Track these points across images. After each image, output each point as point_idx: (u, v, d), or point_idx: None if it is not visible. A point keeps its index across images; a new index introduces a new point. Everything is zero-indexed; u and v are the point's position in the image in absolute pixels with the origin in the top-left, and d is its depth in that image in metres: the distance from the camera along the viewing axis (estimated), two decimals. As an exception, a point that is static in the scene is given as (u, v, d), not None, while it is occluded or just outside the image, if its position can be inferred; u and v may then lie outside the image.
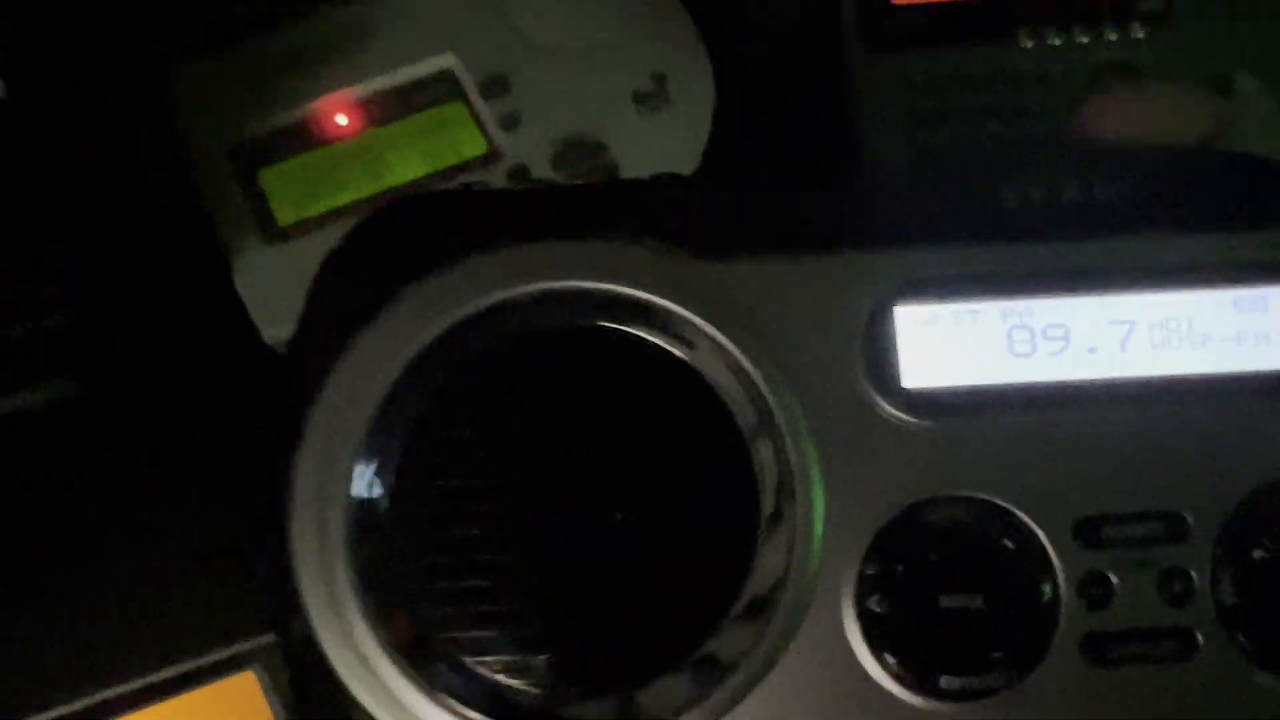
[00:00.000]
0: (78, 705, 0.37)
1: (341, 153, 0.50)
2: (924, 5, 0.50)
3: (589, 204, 0.26)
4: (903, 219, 0.25)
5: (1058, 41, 0.50)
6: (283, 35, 0.50)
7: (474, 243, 0.24)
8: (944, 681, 0.24)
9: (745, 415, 0.24)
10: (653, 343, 0.24)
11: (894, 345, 0.24)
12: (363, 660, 0.23)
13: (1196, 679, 0.24)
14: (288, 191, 0.49)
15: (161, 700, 0.37)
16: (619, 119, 0.49)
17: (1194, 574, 0.24)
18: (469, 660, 0.23)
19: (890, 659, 0.24)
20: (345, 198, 0.49)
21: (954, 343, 0.24)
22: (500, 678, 0.23)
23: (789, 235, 0.24)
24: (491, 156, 0.49)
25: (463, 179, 0.49)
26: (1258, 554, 0.24)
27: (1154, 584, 0.24)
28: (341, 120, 0.50)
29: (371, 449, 0.24)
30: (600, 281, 0.24)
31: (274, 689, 0.37)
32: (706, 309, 0.24)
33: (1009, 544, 0.24)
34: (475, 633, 0.23)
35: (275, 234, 0.48)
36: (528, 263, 0.24)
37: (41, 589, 0.39)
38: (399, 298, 0.24)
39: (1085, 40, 0.50)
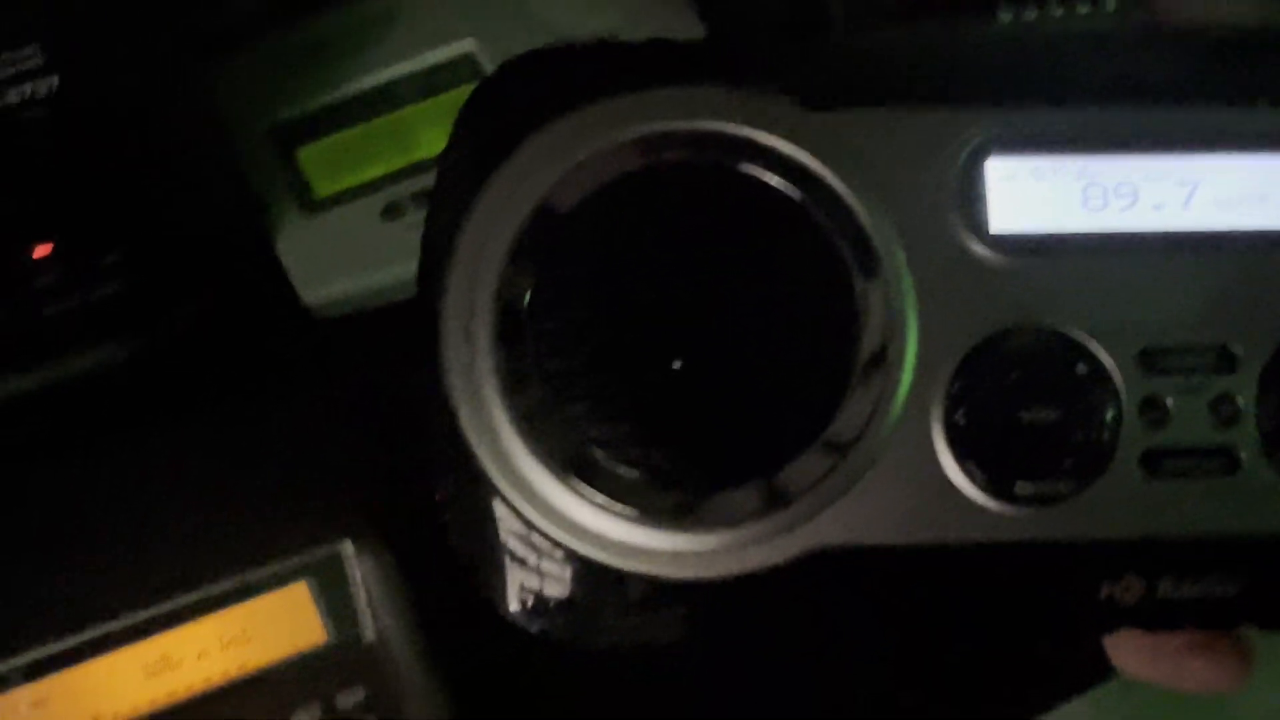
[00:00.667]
0: (141, 615, 0.40)
1: (374, 131, 0.53)
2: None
3: (711, 56, 0.29)
4: (995, 79, 0.28)
5: (1032, 15, 0.55)
6: (312, 25, 0.54)
7: (609, 88, 0.27)
8: (1018, 487, 0.27)
9: (850, 251, 0.27)
10: (767, 182, 0.27)
11: (984, 193, 0.27)
12: (507, 456, 0.26)
13: (1238, 492, 0.27)
14: (325, 165, 0.53)
15: (219, 610, 0.40)
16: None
17: (1240, 400, 0.27)
18: (607, 457, 0.26)
19: (972, 465, 0.27)
20: (378, 170, 0.52)
21: (1036, 194, 0.27)
22: (637, 473, 0.26)
23: (892, 88, 0.27)
24: (513, 130, 0.53)
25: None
26: None
27: (1205, 408, 0.27)
28: (372, 103, 0.54)
29: (515, 261, 0.26)
30: (721, 123, 0.26)
31: (324, 600, 0.40)
32: (817, 152, 0.27)
33: (1081, 368, 0.27)
34: (613, 430, 0.26)
35: (313, 205, 0.52)
36: (656, 106, 0.26)
37: (104, 515, 0.41)
38: (542, 131, 0.27)
39: (1058, 14, 0.55)
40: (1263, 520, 0.27)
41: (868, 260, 0.27)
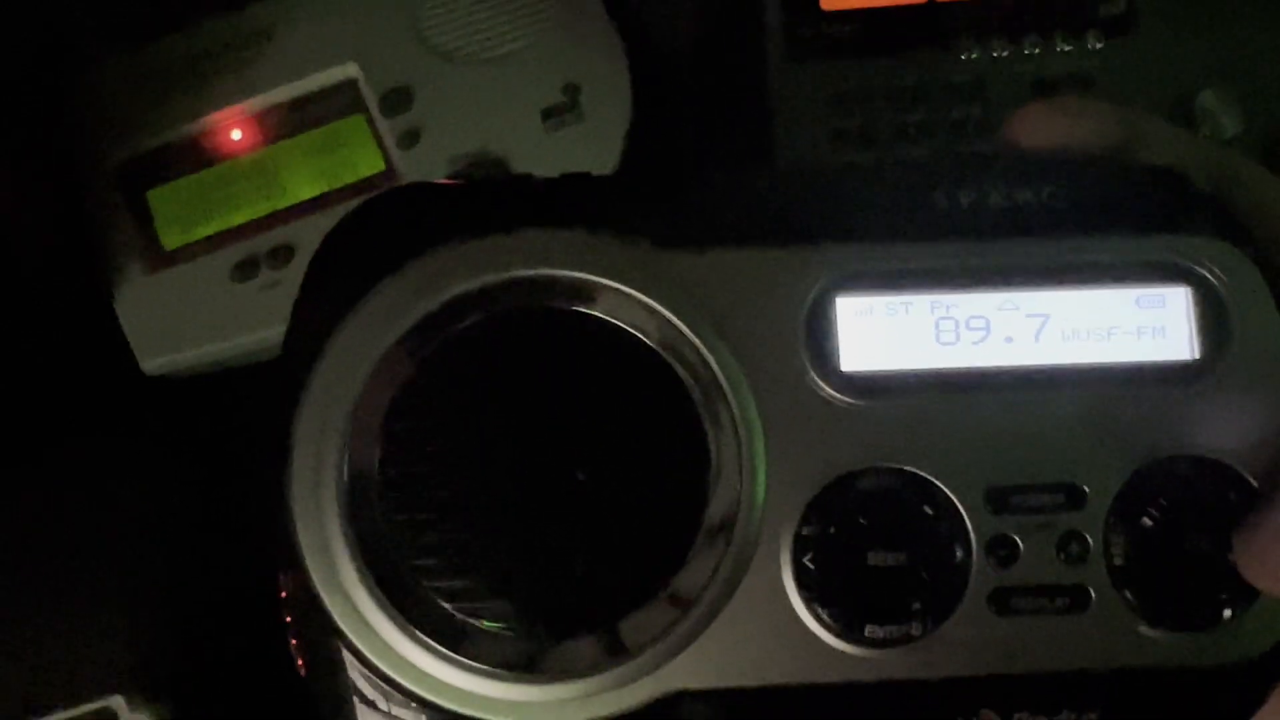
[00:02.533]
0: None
1: (234, 170, 0.47)
2: (857, 10, 0.46)
3: (562, 197, 0.28)
4: (845, 216, 0.28)
5: (1004, 52, 0.47)
6: (177, 42, 0.48)
7: (455, 232, 0.27)
8: (869, 630, 0.27)
9: (699, 393, 0.27)
10: (616, 324, 0.27)
11: (834, 332, 0.27)
12: (356, 611, 0.26)
13: (1089, 630, 0.27)
14: (175, 212, 0.47)
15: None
16: (524, 135, 0.46)
17: (1089, 538, 0.27)
18: (457, 609, 0.26)
19: (822, 610, 0.27)
20: (236, 218, 0.46)
21: (887, 331, 0.27)
22: (486, 625, 0.26)
23: (744, 228, 0.27)
24: (388, 175, 0.46)
25: (357, 199, 0.46)
26: (1145, 522, 0.27)
27: (1053, 546, 0.27)
28: (236, 135, 0.47)
29: (363, 413, 0.26)
30: (570, 269, 0.27)
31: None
32: (665, 295, 0.27)
33: (928, 509, 0.27)
34: (461, 583, 0.26)
35: (159, 259, 0.46)
36: (504, 252, 0.26)
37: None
38: (382, 284, 0.26)
39: (1035, 51, 0.47)
40: (1114, 655, 0.27)
41: (717, 404, 0.27)
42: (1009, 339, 0.27)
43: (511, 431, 0.26)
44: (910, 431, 0.27)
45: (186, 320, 0.45)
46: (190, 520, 0.44)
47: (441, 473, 0.26)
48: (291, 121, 0.47)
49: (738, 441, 0.27)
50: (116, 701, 0.36)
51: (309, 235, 0.46)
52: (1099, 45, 0.46)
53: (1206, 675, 0.27)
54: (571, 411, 0.27)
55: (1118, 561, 0.27)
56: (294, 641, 0.27)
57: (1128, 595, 0.27)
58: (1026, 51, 0.46)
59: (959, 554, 0.27)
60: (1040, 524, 0.27)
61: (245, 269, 0.45)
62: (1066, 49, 0.46)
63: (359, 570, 0.26)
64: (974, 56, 0.46)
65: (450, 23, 0.48)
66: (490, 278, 0.26)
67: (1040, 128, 0.29)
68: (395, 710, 0.27)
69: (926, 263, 0.27)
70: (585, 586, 0.26)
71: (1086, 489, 0.27)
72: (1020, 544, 0.27)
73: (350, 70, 0.48)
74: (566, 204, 0.28)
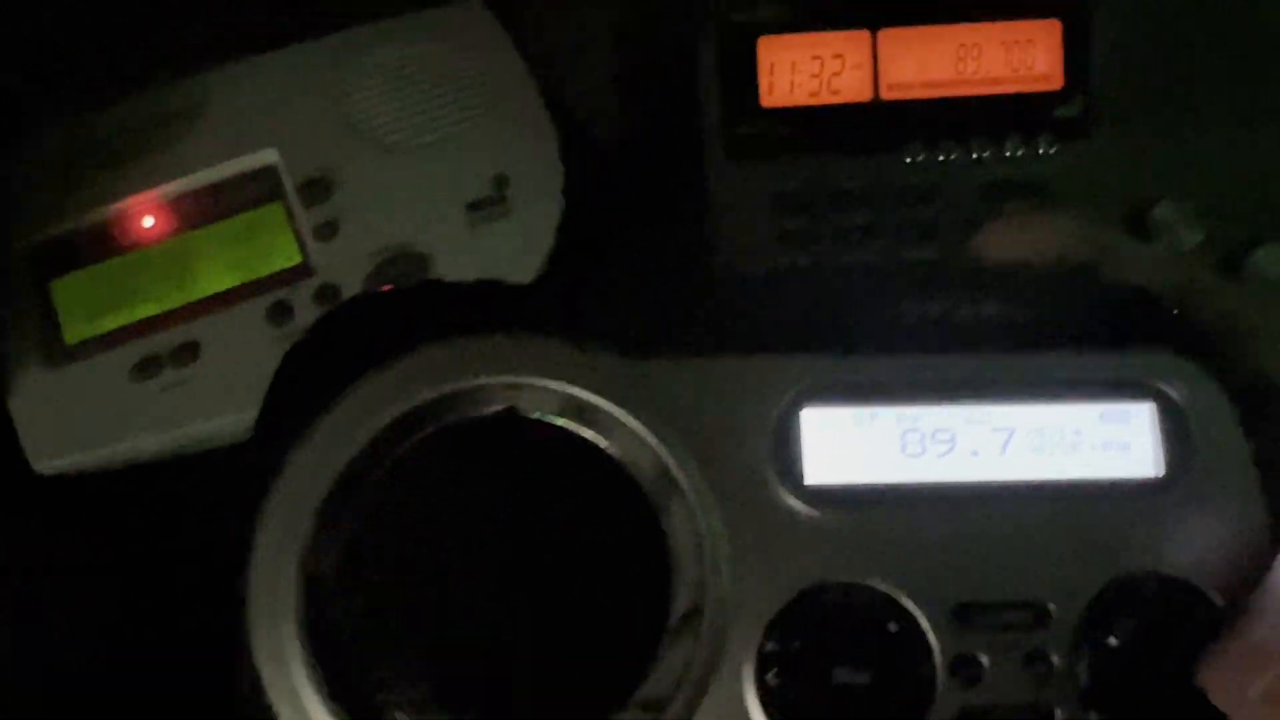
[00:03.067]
0: None
1: (145, 260, 0.45)
2: (798, 108, 0.44)
3: (526, 302, 0.29)
4: (813, 329, 0.28)
5: (953, 155, 0.44)
6: (92, 122, 0.45)
7: (418, 340, 0.27)
8: None
9: (661, 502, 0.26)
10: (578, 434, 0.27)
11: (799, 444, 0.27)
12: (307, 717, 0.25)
13: None
14: (81, 303, 0.44)
15: None
16: (447, 230, 0.43)
17: (1055, 657, 0.27)
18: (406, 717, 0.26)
19: None
20: (144, 311, 0.44)
21: (853, 443, 0.27)
22: None
23: (710, 338, 0.27)
24: (303, 270, 0.44)
25: (274, 294, 0.44)
26: (1111, 641, 0.27)
27: (1019, 665, 0.27)
28: (149, 222, 0.44)
29: (322, 529, 0.26)
30: (533, 377, 0.26)
31: None
32: (628, 404, 0.26)
33: (893, 626, 0.27)
34: (417, 694, 0.26)
35: (60, 354, 0.43)
36: (468, 361, 0.27)
37: None
38: (341, 398, 0.27)
39: (984, 154, 0.44)
40: None
41: (681, 516, 0.26)
42: (975, 452, 0.27)
43: (471, 542, 0.26)
44: (875, 546, 0.27)
45: (84, 420, 0.43)
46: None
47: (400, 584, 0.26)
48: (207, 209, 0.45)
49: (700, 555, 0.26)
50: None
51: (215, 333, 0.43)
52: (1052, 150, 0.44)
53: None
54: (532, 522, 0.26)
55: (1084, 681, 0.27)
56: None
57: (1094, 717, 0.27)
58: (975, 155, 0.43)
59: (924, 672, 0.26)
60: (1006, 642, 0.27)
61: (147, 367, 0.43)
62: (1018, 153, 0.44)
63: (312, 678, 0.26)
64: (920, 159, 0.43)
65: (379, 107, 0.45)
66: (454, 386, 0.26)
67: (1007, 243, 0.29)
68: None
69: (894, 375, 0.27)
70: (544, 699, 0.26)
71: (1052, 607, 0.27)
72: (986, 663, 0.27)
73: (270, 156, 0.45)
74: (529, 310, 0.28)
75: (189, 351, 0.43)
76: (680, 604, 0.26)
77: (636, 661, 0.26)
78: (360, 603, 0.26)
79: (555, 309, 0.28)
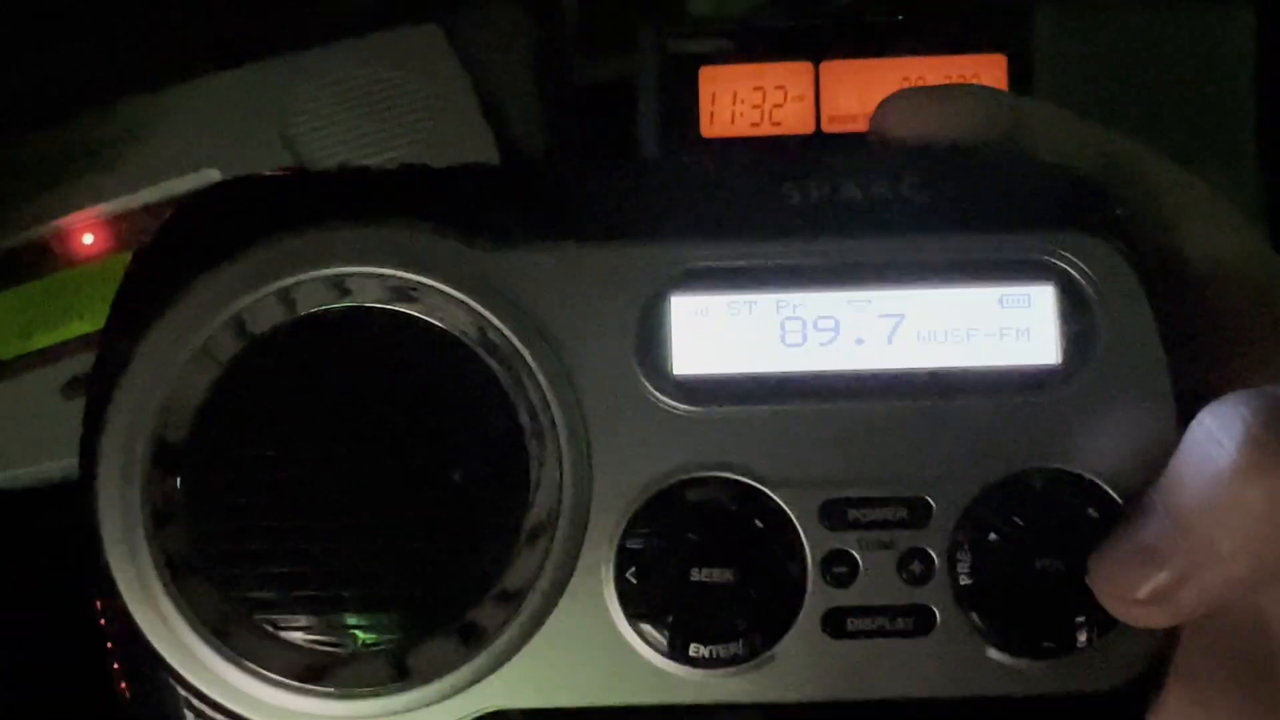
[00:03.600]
0: None
1: (81, 277, 0.45)
2: (738, 140, 0.44)
3: (385, 188, 0.27)
4: (683, 211, 0.26)
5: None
6: (28, 143, 0.45)
7: (273, 227, 0.25)
8: (694, 650, 0.25)
9: (521, 397, 0.25)
10: (437, 327, 0.26)
11: (668, 334, 0.26)
12: (170, 628, 0.25)
13: (933, 654, 0.25)
14: (16, 319, 0.44)
15: None
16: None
17: (934, 555, 0.25)
18: (259, 619, 0.25)
19: (645, 627, 0.25)
20: (78, 329, 0.44)
21: (727, 332, 0.26)
22: (288, 635, 0.25)
23: (572, 223, 0.26)
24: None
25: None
26: (993, 538, 0.25)
27: (894, 564, 0.25)
28: (88, 240, 0.45)
29: (173, 418, 0.25)
30: (387, 267, 0.25)
31: None
32: (484, 295, 0.25)
33: (759, 523, 0.25)
34: (262, 594, 0.25)
35: (-8, 370, 0.44)
36: (319, 248, 0.25)
37: None
38: (208, 274, 0.25)
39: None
40: (960, 682, 0.25)
41: (539, 407, 0.25)
42: (859, 340, 0.26)
43: (319, 439, 0.25)
44: (744, 439, 0.25)
45: (13, 437, 0.42)
46: None
47: (251, 479, 0.25)
48: (146, 228, 0.45)
49: (559, 447, 0.25)
50: None
51: (147, 353, 0.43)
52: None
53: (1060, 705, 0.25)
54: (384, 418, 0.25)
55: (964, 581, 0.25)
56: (115, 667, 0.26)
57: (974, 618, 0.25)
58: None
59: (792, 571, 0.25)
60: (880, 540, 0.25)
61: (78, 385, 0.43)
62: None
63: (168, 589, 0.25)
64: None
65: (322, 129, 0.46)
66: (304, 274, 0.25)
67: (915, 115, 0.27)
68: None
69: (772, 260, 0.25)
70: (397, 598, 0.25)
71: (932, 503, 0.25)
72: (858, 561, 0.25)
73: (211, 176, 0.45)
74: (394, 195, 0.26)
75: (121, 370, 0.43)
76: (537, 498, 0.25)
77: (493, 556, 0.25)
78: (211, 499, 0.25)
79: (378, 197, 0.26)
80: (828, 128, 0.43)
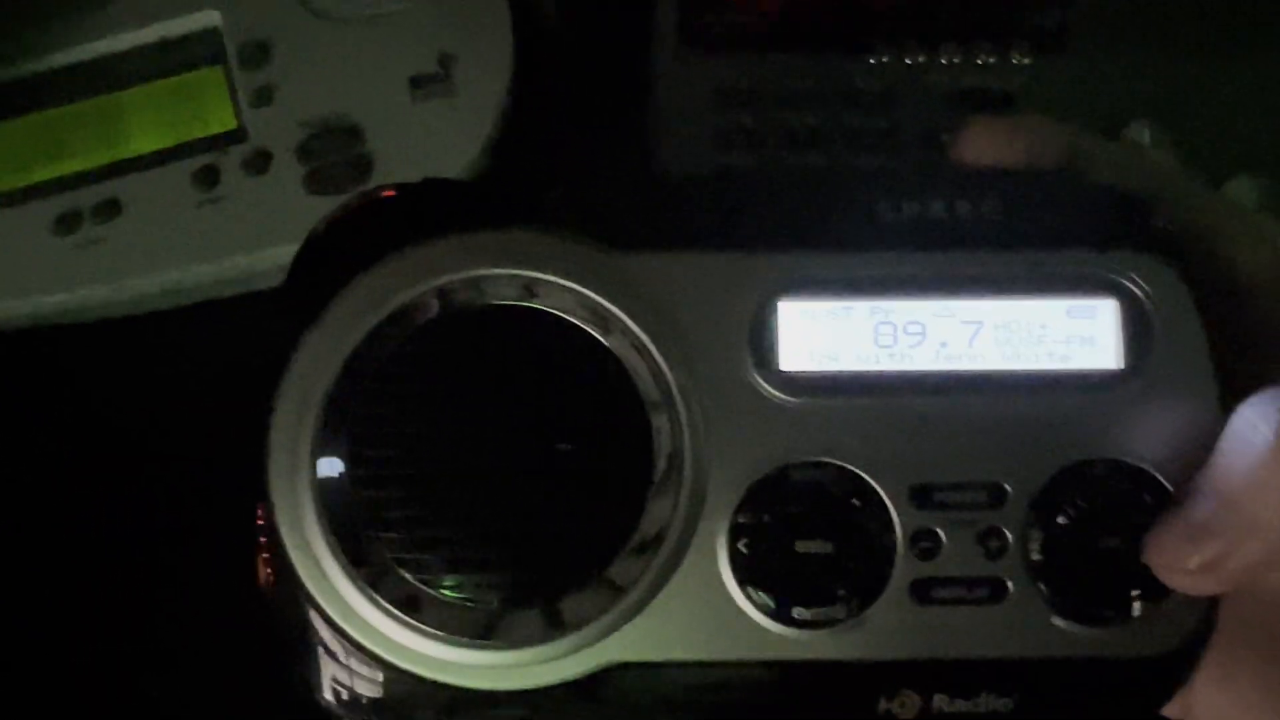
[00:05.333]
0: None
1: (79, 114, 0.43)
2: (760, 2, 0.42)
3: (518, 198, 0.30)
4: (791, 224, 0.29)
5: (920, 59, 0.42)
6: (32, -25, 0.44)
7: (421, 235, 0.28)
8: (796, 612, 0.28)
9: (647, 387, 0.28)
10: (570, 322, 0.28)
11: (775, 334, 0.28)
12: (322, 568, 0.28)
13: (1005, 620, 0.28)
14: (6, 155, 0.43)
15: None
16: (387, 104, 0.42)
17: (1008, 534, 0.28)
18: (415, 578, 0.28)
19: (754, 591, 0.28)
20: (70, 166, 0.43)
21: (827, 334, 0.29)
22: (443, 594, 0.28)
23: (689, 233, 0.29)
24: (237, 135, 0.42)
25: (203, 158, 0.42)
26: (1061, 520, 0.28)
27: (974, 540, 0.28)
28: (87, 76, 0.43)
29: (336, 399, 0.28)
30: (528, 269, 0.28)
31: None
32: (617, 296, 0.28)
33: (856, 502, 0.28)
34: (419, 556, 0.28)
35: (-20, 202, 0.43)
36: (466, 253, 0.28)
37: None
38: (363, 276, 0.28)
39: (953, 61, 0.42)
40: (1028, 645, 0.28)
41: (661, 396, 0.28)
42: (944, 344, 0.29)
43: (470, 419, 0.28)
44: (843, 429, 0.28)
45: (3, 271, 0.42)
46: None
47: (404, 456, 0.28)
48: (146, 67, 0.44)
49: (680, 433, 0.28)
50: None
51: (139, 192, 0.42)
52: (1026, 61, 0.41)
53: (1117, 668, 0.28)
54: (525, 401, 0.28)
55: (1034, 557, 0.28)
56: (264, 556, 0.29)
57: (1042, 588, 0.28)
58: (944, 61, 0.41)
59: (884, 545, 0.28)
60: (962, 520, 0.28)
61: (67, 222, 0.42)
62: (989, 61, 0.41)
63: (326, 535, 0.27)
64: (885, 61, 0.41)
65: (328, -27, 0.44)
66: (450, 277, 0.28)
67: (991, 142, 0.30)
68: (354, 665, 0.29)
69: (868, 270, 0.28)
70: (533, 564, 0.28)
71: (1008, 488, 0.28)
72: (942, 537, 0.28)
73: (213, 18, 0.44)
74: (518, 204, 0.29)
75: (110, 209, 0.42)
76: (660, 478, 0.28)
77: (617, 530, 0.28)
78: (371, 468, 0.28)
79: (520, 206, 0.29)
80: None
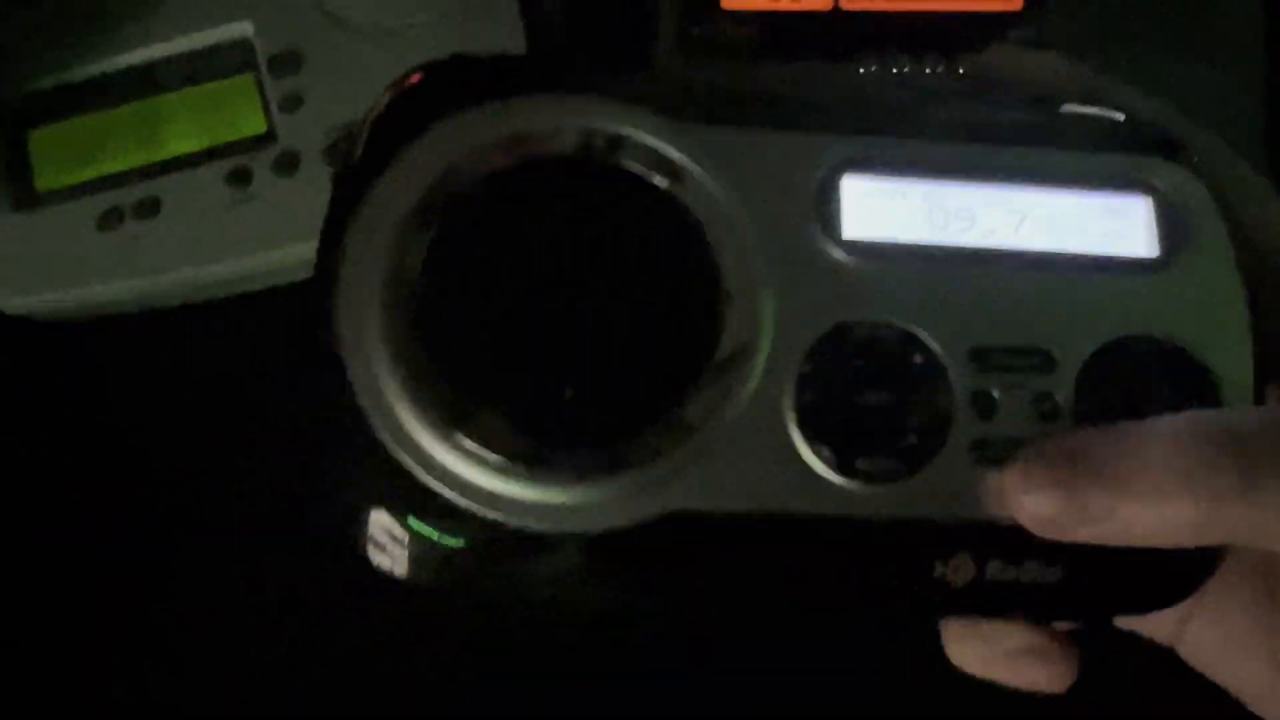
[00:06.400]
0: None
1: (118, 119, 0.46)
2: (758, 12, 0.45)
3: (589, 71, 0.30)
4: (852, 112, 0.31)
5: (905, 69, 0.45)
6: (78, -15, 0.47)
7: (500, 92, 0.29)
8: (859, 463, 0.29)
9: (718, 244, 0.29)
10: (645, 178, 0.29)
11: (839, 205, 0.30)
12: (390, 408, 0.28)
13: None
14: (54, 155, 0.46)
15: None
16: (408, 110, 0.45)
17: (1059, 398, 0.30)
18: (486, 409, 0.28)
19: (818, 441, 0.29)
20: (111, 166, 0.45)
21: (885, 209, 0.30)
22: (507, 425, 0.28)
23: (756, 113, 0.30)
24: (268, 138, 0.45)
25: (236, 159, 0.45)
26: (1104, 386, 0.30)
27: (1029, 403, 0.29)
28: (127, 83, 0.46)
29: (411, 235, 0.28)
30: (602, 122, 0.29)
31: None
32: (691, 155, 0.29)
33: (916, 359, 0.29)
34: (485, 382, 0.28)
35: (30, 200, 0.45)
36: (548, 106, 0.29)
37: None
38: (446, 120, 0.28)
39: (938, 70, 0.45)
40: None
41: (733, 252, 0.29)
42: (992, 230, 0.30)
43: (542, 263, 0.28)
44: (903, 292, 0.30)
45: (47, 263, 0.44)
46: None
47: (479, 294, 0.28)
48: (181, 75, 0.47)
49: (750, 287, 0.29)
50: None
51: (177, 191, 0.45)
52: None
53: (1153, 551, 0.28)
54: (601, 249, 0.29)
55: (1084, 422, 0.29)
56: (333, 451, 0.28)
57: None
58: (928, 70, 0.44)
59: (943, 402, 0.29)
60: (1017, 382, 0.30)
61: (110, 218, 0.44)
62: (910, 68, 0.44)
63: (393, 368, 0.28)
64: (873, 70, 0.44)
65: (352, -5, 0.47)
66: (529, 125, 0.29)
67: (1013, 65, 0.33)
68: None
69: (922, 157, 0.30)
70: (599, 402, 0.28)
71: (1058, 357, 0.30)
72: (999, 398, 0.29)
73: (246, 28, 0.47)
74: (589, 76, 0.30)
75: (150, 207, 0.45)
76: (729, 329, 0.29)
77: (686, 377, 0.28)
78: (442, 308, 0.28)
79: (609, 78, 0.30)
80: (845, 5, 0.44)
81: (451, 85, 0.30)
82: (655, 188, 0.29)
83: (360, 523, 0.28)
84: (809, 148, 0.30)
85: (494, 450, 0.28)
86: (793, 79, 0.34)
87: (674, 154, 0.29)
